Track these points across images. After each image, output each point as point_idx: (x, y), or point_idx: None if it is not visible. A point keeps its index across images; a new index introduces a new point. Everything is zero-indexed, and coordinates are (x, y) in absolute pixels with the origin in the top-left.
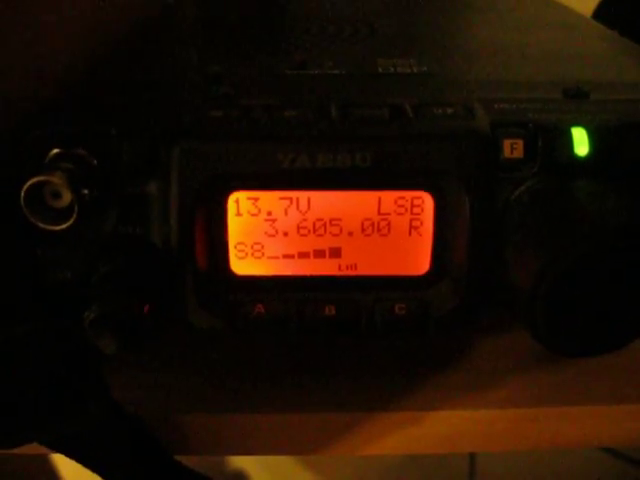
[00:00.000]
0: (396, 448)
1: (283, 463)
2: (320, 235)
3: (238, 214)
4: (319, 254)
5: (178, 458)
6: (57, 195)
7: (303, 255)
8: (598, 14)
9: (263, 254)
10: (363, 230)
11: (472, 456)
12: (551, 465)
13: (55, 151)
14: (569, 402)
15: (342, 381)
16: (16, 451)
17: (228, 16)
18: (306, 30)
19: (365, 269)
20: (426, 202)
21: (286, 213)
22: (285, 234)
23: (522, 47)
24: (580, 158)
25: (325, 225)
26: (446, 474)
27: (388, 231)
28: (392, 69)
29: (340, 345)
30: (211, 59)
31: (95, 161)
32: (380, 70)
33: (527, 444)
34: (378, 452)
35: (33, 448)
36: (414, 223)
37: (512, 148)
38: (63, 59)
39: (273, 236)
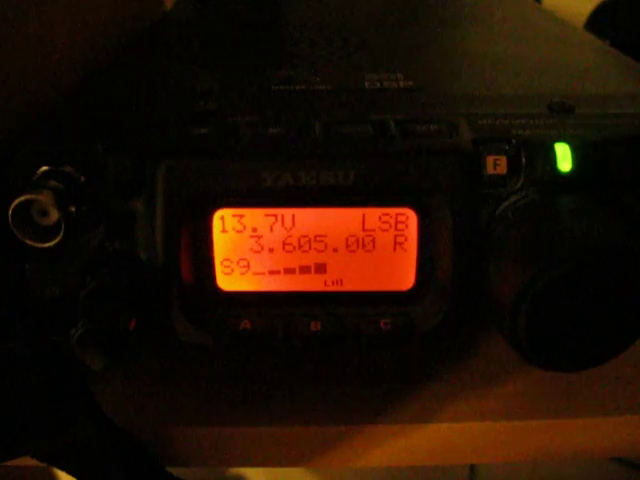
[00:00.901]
0: (388, 460)
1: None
2: (305, 251)
3: (223, 231)
4: (305, 270)
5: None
6: (44, 213)
7: (289, 271)
8: (590, 24)
9: (249, 270)
10: (348, 246)
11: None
12: (553, 470)
13: (43, 169)
14: (563, 414)
15: (334, 394)
16: (9, 463)
17: (218, 30)
18: (295, 43)
19: (350, 285)
20: (410, 218)
21: (271, 230)
22: (271, 250)
23: (510, 59)
24: (563, 174)
25: (310, 241)
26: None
27: (373, 247)
28: (379, 84)
29: (331, 358)
30: (198, 74)
31: (83, 178)
32: (367, 85)
33: (520, 456)
34: (371, 464)
35: (25, 460)
36: (398, 239)
37: (495, 164)
38: (57, 75)
39: (259, 252)
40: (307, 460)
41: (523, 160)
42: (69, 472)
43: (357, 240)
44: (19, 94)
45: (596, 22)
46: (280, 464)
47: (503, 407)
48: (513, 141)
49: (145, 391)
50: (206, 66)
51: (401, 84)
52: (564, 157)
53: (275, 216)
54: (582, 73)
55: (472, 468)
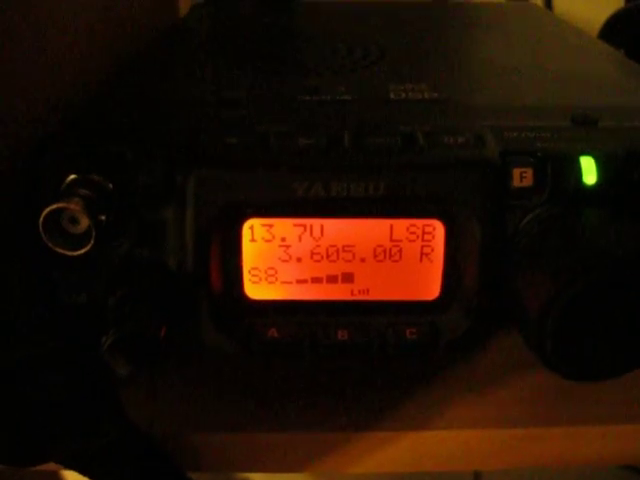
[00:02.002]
0: (387, 467)
1: None
2: (333, 261)
3: (252, 240)
4: (332, 279)
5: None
6: (75, 221)
7: (316, 280)
8: (604, 34)
9: (277, 279)
10: (375, 256)
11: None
12: (559, 475)
13: (72, 177)
14: (575, 422)
15: (342, 399)
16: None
17: (235, 38)
18: (317, 53)
19: (377, 294)
20: (437, 229)
21: (300, 239)
22: (299, 260)
23: (531, 70)
24: (588, 187)
25: (338, 251)
26: None
27: (400, 257)
28: (404, 95)
29: (330, 365)
30: (224, 82)
31: (111, 185)
32: (392, 96)
33: (531, 462)
34: (370, 470)
35: (45, 465)
36: (425, 250)
37: (522, 177)
38: (76, 80)
39: (287, 261)
40: (306, 466)
41: (549, 173)
42: (90, 476)
43: (384, 250)
44: (40, 100)
45: (610, 31)
46: (279, 470)
47: (504, 414)
48: (539, 154)
49: (164, 396)
50: (229, 74)
51: (426, 95)
52: (589, 170)
53: (304, 226)
54: (602, 84)
55: (476, 473)
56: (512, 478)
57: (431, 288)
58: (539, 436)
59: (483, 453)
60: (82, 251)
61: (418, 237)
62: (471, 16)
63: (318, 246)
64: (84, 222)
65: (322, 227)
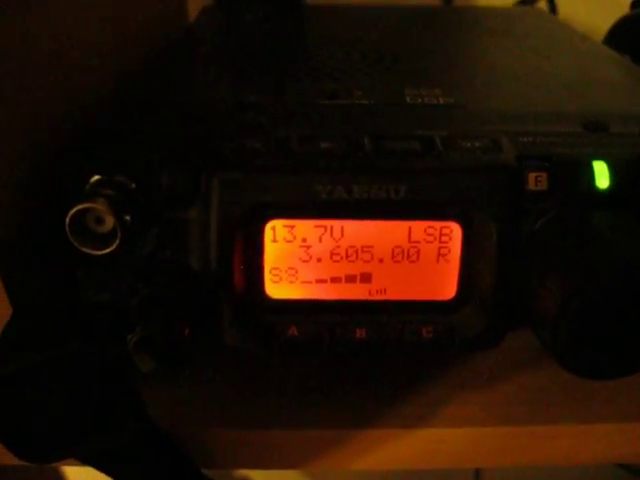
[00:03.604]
0: (401, 463)
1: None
2: (352, 261)
3: (274, 240)
4: (350, 279)
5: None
6: (100, 221)
7: (335, 280)
8: (610, 39)
9: (297, 278)
10: (393, 257)
11: (478, 470)
12: (561, 474)
13: (96, 177)
14: (579, 420)
15: (344, 396)
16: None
17: (247, 43)
18: (330, 57)
19: (394, 294)
20: (454, 231)
21: (320, 240)
22: (319, 260)
23: (540, 76)
24: (601, 190)
25: (357, 252)
26: None
27: (417, 258)
28: (420, 100)
29: (341, 362)
30: (242, 87)
31: (134, 185)
32: (408, 100)
33: (534, 460)
34: (384, 467)
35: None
36: (442, 251)
37: (537, 180)
38: (92, 89)
39: (307, 261)
40: (308, 463)
41: (563, 177)
42: (108, 473)
43: (402, 251)
44: (55, 108)
45: (616, 37)
46: (279, 467)
47: (507, 412)
48: (554, 158)
49: (185, 395)
50: (246, 79)
51: (441, 100)
52: (602, 174)
53: (325, 227)
54: (611, 90)
55: (477, 470)
56: (512, 476)
57: (447, 288)
58: (543, 434)
59: (487, 451)
60: (108, 250)
61: (436, 239)
62: (479, 21)
63: (338, 247)
64: (109, 222)
65: (342, 228)
